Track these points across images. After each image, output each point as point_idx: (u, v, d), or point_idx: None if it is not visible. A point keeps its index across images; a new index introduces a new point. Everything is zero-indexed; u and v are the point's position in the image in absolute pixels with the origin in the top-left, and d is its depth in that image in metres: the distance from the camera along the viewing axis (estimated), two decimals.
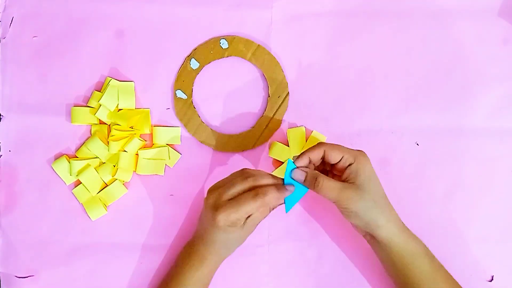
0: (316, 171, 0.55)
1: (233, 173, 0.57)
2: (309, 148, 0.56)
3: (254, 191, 0.54)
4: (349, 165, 0.55)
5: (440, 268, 0.57)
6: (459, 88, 0.65)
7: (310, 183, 0.55)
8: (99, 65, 0.65)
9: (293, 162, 0.55)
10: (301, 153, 0.56)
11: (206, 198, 0.56)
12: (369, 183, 0.55)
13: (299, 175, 0.55)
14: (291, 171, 0.55)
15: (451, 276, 0.58)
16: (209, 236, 0.57)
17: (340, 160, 0.55)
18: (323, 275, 0.64)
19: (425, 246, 0.58)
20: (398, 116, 0.65)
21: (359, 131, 0.65)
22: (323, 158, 0.56)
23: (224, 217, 0.54)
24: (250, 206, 0.53)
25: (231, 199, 0.54)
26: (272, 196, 0.54)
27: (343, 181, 0.55)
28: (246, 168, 0.57)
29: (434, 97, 0.65)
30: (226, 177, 0.57)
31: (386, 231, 0.56)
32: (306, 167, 0.55)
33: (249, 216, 0.55)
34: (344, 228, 0.63)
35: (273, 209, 0.56)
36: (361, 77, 0.65)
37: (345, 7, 0.65)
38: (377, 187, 0.56)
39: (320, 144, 0.55)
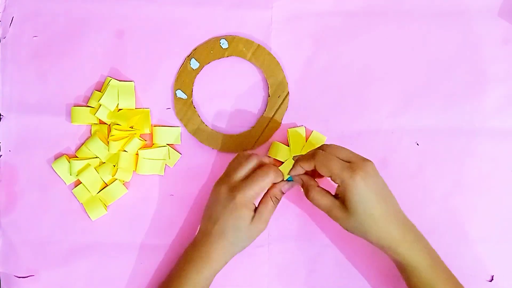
0: (311, 182, 0.57)
1: (232, 160, 0.59)
2: (303, 157, 0.57)
3: (266, 167, 0.57)
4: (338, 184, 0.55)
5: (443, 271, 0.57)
6: (459, 88, 0.65)
7: (305, 192, 0.57)
8: (99, 65, 0.65)
9: (289, 172, 0.59)
10: (295, 161, 0.58)
11: (217, 187, 0.57)
12: (358, 205, 0.53)
13: (296, 181, 0.58)
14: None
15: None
16: (218, 227, 0.56)
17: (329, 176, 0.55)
18: (323, 275, 0.64)
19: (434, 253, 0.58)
20: (398, 116, 0.65)
21: (359, 131, 0.65)
22: None
23: (241, 195, 0.55)
24: (264, 181, 0.56)
25: (243, 179, 0.56)
26: (278, 173, 0.57)
27: (336, 194, 0.56)
28: (241, 152, 0.59)
29: (434, 97, 0.65)
30: (228, 166, 0.59)
31: (403, 251, 0.55)
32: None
33: (256, 208, 0.57)
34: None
35: (279, 199, 0.58)
36: (361, 77, 0.65)
37: (345, 7, 0.65)
38: (372, 207, 0.54)
39: (313, 155, 0.55)
